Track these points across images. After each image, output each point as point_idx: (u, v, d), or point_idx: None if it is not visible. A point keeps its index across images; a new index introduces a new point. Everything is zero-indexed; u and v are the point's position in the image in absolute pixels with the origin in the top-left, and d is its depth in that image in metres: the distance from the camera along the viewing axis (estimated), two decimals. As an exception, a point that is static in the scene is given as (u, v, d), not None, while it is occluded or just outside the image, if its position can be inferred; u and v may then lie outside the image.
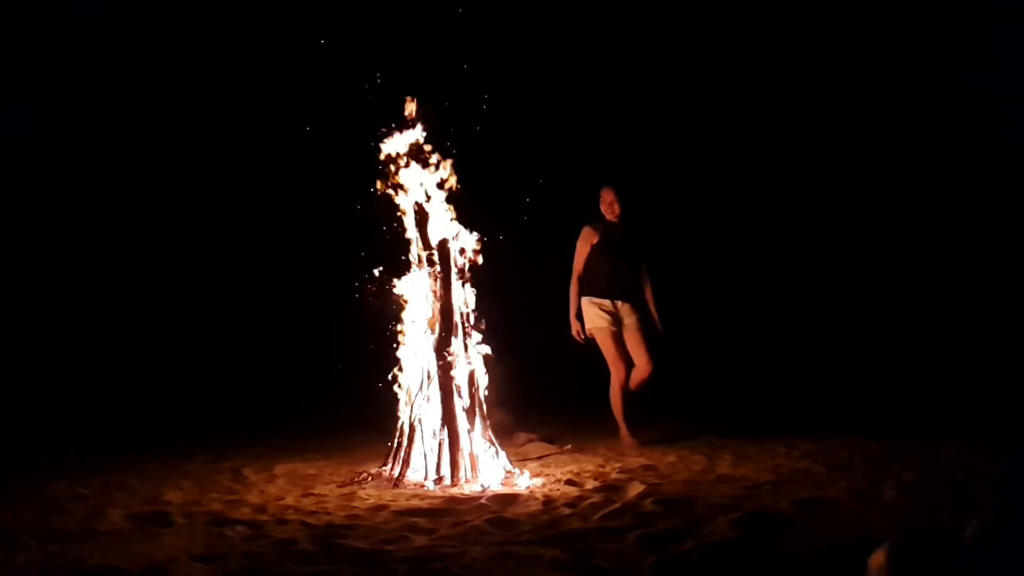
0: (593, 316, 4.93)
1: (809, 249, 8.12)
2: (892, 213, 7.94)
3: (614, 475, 4.07)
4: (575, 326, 4.97)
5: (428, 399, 4.09)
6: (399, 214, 4.23)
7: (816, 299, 8.00)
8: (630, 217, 4.99)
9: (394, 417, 4.21)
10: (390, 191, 4.19)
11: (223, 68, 7.29)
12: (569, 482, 3.94)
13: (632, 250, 4.98)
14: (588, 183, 5.17)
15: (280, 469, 4.43)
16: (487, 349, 4.21)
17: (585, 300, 4.96)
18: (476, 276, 4.22)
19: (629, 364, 4.91)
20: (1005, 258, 7.36)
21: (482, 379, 4.17)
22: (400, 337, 4.23)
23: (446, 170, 4.21)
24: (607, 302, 4.93)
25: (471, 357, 4.14)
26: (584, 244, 4.98)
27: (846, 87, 7.92)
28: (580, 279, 4.99)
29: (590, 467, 4.30)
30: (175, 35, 7.22)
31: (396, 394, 4.21)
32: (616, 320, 4.93)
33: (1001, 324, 7.10)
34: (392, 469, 4.09)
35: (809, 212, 8.04)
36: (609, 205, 4.95)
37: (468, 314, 4.17)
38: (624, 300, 4.95)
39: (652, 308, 4.99)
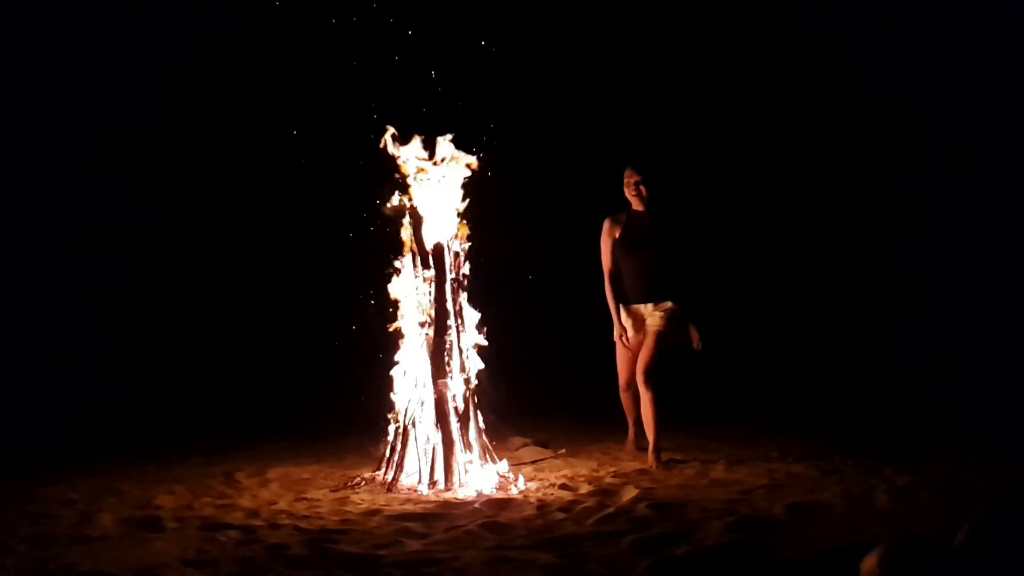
0: (615, 323, 4.51)
1: (827, 250, 8.00)
2: (911, 213, 7.83)
3: (608, 479, 4.07)
4: (618, 329, 4.47)
5: (422, 403, 4.08)
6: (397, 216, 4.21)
7: (825, 298, 7.94)
8: (662, 204, 4.36)
9: (388, 421, 4.20)
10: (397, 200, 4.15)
11: (213, 65, 7.25)
12: (563, 486, 3.94)
13: (661, 243, 4.35)
14: (612, 168, 4.54)
15: (273, 473, 4.41)
16: (482, 340, 4.13)
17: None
18: (472, 280, 4.22)
19: (634, 371, 4.44)
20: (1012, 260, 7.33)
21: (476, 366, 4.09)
22: (394, 340, 4.22)
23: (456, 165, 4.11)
24: (631, 308, 4.45)
25: (466, 357, 4.12)
26: (606, 240, 4.45)
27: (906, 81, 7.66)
28: (613, 277, 4.45)
29: (584, 471, 4.30)
30: (166, 33, 7.19)
31: (390, 398, 4.21)
32: (639, 325, 4.44)
33: (1001, 327, 7.11)
34: (386, 473, 4.08)
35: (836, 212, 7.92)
36: (635, 188, 4.33)
37: (463, 311, 4.15)
38: (649, 301, 4.38)
39: (687, 309, 4.36)
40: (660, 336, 4.35)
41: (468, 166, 4.14)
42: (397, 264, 4.18)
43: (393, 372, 4.19)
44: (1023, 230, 7.39)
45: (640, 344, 4.43)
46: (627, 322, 4.48)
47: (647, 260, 4.37)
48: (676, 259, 4.39)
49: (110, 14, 7.05)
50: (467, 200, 4.17)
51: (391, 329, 4.19)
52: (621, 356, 4.54)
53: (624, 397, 4.63)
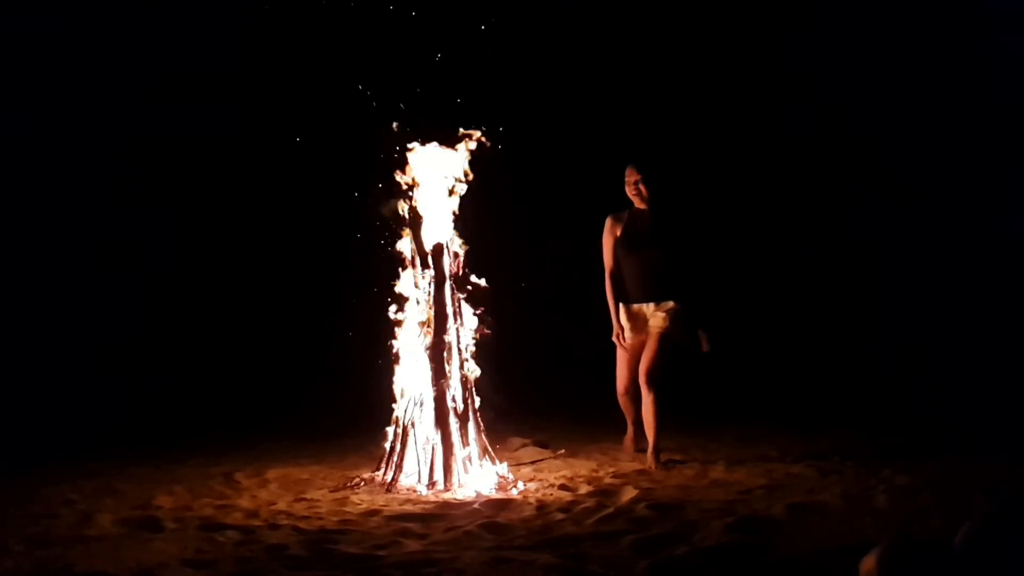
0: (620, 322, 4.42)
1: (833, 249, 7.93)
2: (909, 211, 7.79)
3: (608, 480, 4.07)
4: (616, 328, 4.41)
5: (421, 403, 4.08)
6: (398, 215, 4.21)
7: (824, 298, 7.92)
8: (665, 202, 4.28)
9: (387, 421, 4.20)
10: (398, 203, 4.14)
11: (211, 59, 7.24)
12: (563, 487, 3.94)
13: (663, 243, 4.27)
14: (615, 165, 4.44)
15: (272, 474, 4.41)
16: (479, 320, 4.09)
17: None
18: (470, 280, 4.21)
19: (632, 376, 4.38)
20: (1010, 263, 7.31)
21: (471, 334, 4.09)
22: (393, 341, 4.22)
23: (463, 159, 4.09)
24: (632, 308, 4.37)
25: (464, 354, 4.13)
26: (607, 238, 4.39)
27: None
28: (613, 276, 4.39)
29: (584, 472, 4.29)
30: (162, 31, 7.18)
31: (389, 398, 4.21)
32: (641, 325, 4.35)
33: (1001, 327, 7.11)
34: (385, 474, 4.08)
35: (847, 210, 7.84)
36: (634, 187, 4.27)
37: (461, 311, 4.16)
38: (650, 301, 4.30)
39: (696, 311, 4.27)
40: (664, 337, 4.27)
41: (475, 139, 4.08)
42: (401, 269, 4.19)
43: (392, 371, 4.19)
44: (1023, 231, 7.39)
45: (640, 345, 4.37)
46: (627, 322, 4.43)
47: (648, 259, 4.31)
48: (682, 258, 4.31)
49: (109, 11, 7.05)
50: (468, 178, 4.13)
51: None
52: (621, 359, 4.47)
53: (623, 401, 4.55)
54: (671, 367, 4.35)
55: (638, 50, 7.67)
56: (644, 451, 4.44)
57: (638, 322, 4.40)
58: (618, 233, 4.38)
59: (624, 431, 4.77)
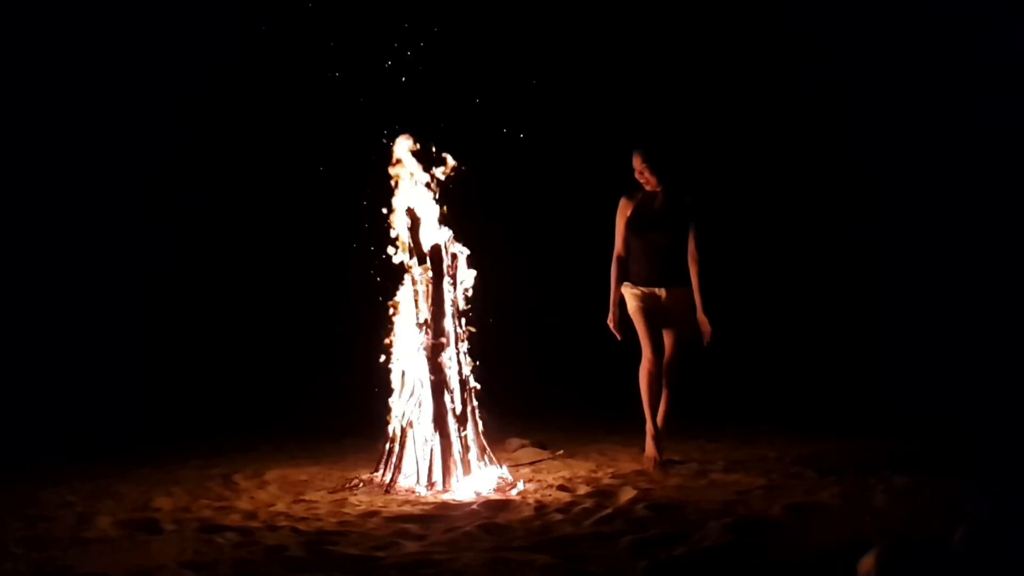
0: (629, 299, 4.29)
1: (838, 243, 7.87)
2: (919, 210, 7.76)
3: (606, 480, 4.07)
4: (611, 315, 4.34)
5: (420, 404, 4.08)
6: (391, 217, 4.23)
7: (824, 298, 7.90)
8: (675, 183, 4.21)
9: (385, 422, 4.20)
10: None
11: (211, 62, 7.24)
12: (561, 488, 3.94)
13: (673, 224, 4.20)
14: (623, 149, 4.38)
15: (271, 475, 4.41)
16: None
17: (624, 285, 4.31)
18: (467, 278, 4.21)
19: (660, 348, 4.24)
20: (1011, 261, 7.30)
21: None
22: (392, 341, 4.22)
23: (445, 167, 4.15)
24: (644, 290, 4.25)
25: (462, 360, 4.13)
26: (619, 220, 4.30)
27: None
28: (619, 260, 4.30)
29: (582, 472, 4.30)
30: (162, 34, 7.18)
31: (387, 399, 4.20)
32: (656, 302, 4.23)
33: (1001, 327, 7.11)
34: (383, 475, 4.08)
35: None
36: (639, 174, 4.23)
37: (461, 317, 4.17)
38: (662, 286, 4.21)
39: (697, 296, 4.17)
40: (684, 331, 4.22)
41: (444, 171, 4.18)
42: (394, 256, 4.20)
43: (391, 376, 4.19)
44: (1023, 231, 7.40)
45: (655, 321, 4.23)
46: (638, 301, 4.26)
47: (655, 241, 4.22)
48: (694, 237, 4.20)
49: (117, 19, 7.07)
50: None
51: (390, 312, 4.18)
52: (645, 341, 4.25)
53: (647, 389, 4.25)
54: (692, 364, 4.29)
55: (642, 38, 7.64)
56: (665, 462, 4.27)
57: (649, 302, 4.26)
58: (629, 214, 4.31)
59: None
